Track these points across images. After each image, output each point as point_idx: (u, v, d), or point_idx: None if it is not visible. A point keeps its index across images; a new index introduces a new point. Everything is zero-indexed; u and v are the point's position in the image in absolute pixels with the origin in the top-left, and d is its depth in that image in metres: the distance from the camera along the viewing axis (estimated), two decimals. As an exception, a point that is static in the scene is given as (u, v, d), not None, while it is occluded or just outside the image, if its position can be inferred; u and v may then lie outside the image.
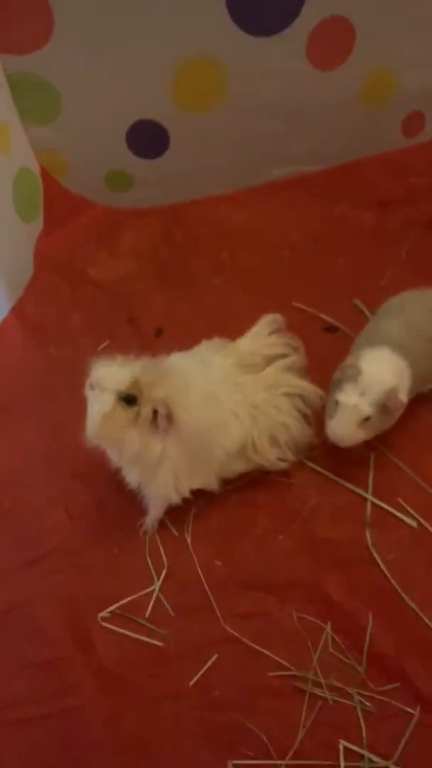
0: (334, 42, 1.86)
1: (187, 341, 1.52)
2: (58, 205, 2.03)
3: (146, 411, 1.24)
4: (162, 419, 1.25)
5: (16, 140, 1.85)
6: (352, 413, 1.36)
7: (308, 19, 1.79)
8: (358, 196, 2.07)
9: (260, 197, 2.12)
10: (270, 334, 1.48)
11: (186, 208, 2.11)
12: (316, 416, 1.47)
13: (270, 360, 1.44)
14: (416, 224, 1.97)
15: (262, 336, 1.47)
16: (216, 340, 1.48)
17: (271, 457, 1.41)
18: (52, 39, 1.72)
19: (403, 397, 1.39)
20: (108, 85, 1.84)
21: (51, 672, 1.28)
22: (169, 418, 1.25)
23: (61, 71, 1.79)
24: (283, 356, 1.46)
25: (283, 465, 1.43)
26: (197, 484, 1.40)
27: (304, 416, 1.44)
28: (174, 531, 1.44)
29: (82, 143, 1.95)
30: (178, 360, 1.36)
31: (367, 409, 1.35)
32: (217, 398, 1.34)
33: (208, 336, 1.54)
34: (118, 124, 1.94)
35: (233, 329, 1.56)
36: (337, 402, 1.38)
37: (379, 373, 1.37)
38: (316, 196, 2.09)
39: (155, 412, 1.24)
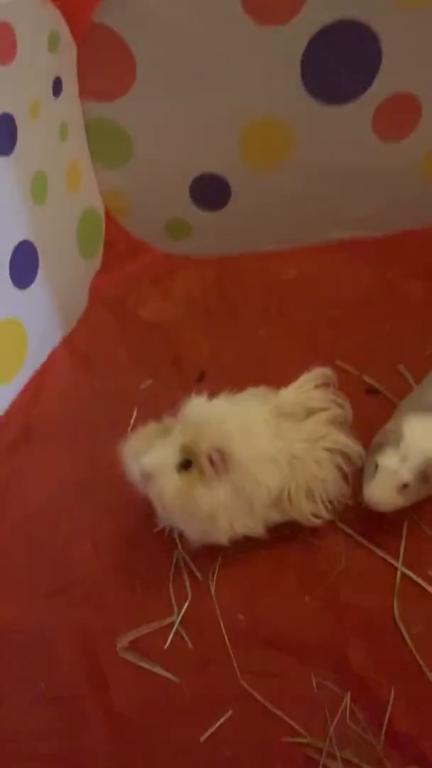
0: (400, 116, 1.93)
1: (228, 387, 1.53)
2: (118, 245, 2.10)
3: (205, 463, 1.26)
4: (219, 463, 1.26)
5: (86, 180, 1.94)
6: (391, 478, 1.34)
7: (378, 92, 1.86)
8: (410, 265, 2.09)
9: (314, 256, 2.16)
10: (316, 387, 1.48)
11: (240, 259, 2.16)
12: (355, 476, 1.45)
13: (312, 412, 1.43)
14: (466, 298, 1.99)
15: (307, 388, 1.47)
16: (261, 389, 1.48)
17: (305, 511, 1.39)
18: (132, 89, 1.81)
19: None
20: (179, 137, 1.92)
21: (62, 709, 1.26)
22: (224, 458, 1.26)
23: (137, 120, 1.89)
24: (325, 410, 1.45)
25: (317, 521, 1.41)
26: (246, 529, 1.38)
27: (344, 475, 1.43)
28: (199, 576, 1.43)
29: (148, 190, 2.03)
30: (209, 403, 1.36)
31: (407, 475, 1.34)
32: (256, 434, 1.34)
33: (250, 383, 1.55)
34: (184, 175, 2.02)
35: (275, 379, 1.56)
36: (377, 465, 1.37)
37: (422, 440, 1.36)
38: (369, 261, 2.12)
39: (211, 461, 1.26)
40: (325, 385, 1.48)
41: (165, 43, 1.74)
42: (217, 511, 1.30)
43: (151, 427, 1.35)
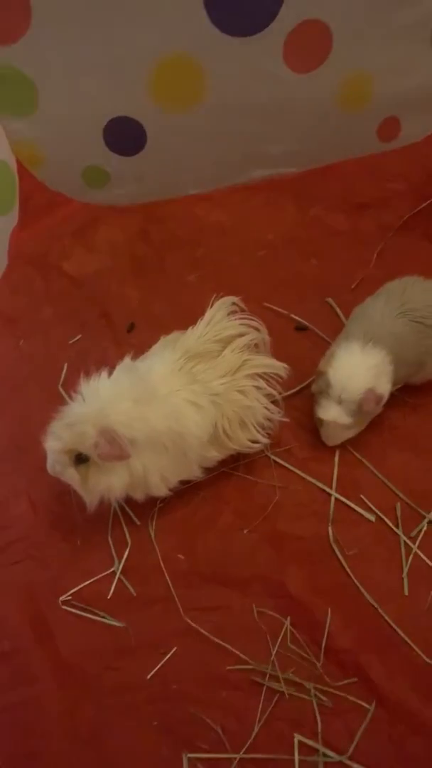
0: (311, 45, 1.88)
1: (159, 336, 1.52)
2: (35, 199, 2.03)
3: (93, 453, 1.26)
4: (114, 446, 1.24)
5: (-8, 132, 1.86)
6: (335, 427, 1.43)
7: (285, 21, 1.80)
8: (333, 199, 2.08)
9: (238, 197, 2.13)
10: (226, 316, 1.46)
11: (164, 205, 2.12)
12: (285, 387, 1.45)
13: (227, 342, 1.42)
14: (389, 228, 1.99)
15: (217, 320, 1.45)
16: (172, 335, 1.47)
17: (243, 441, 1.40)
18: (29, 31, 1.72)
19: (383, 389, 1.40)
20: (86, 81, 1.84)
21: (9, 663, 1.27)
22: (113, 442, 1.24)
23: (39, 64, 1.79)
24: (241, 335, 1.44)
25: (256, 447, 1.43)
26: (183, 477, 1.40)
27: (270, 396, 1.43)
28: (138, 522, 1.44)
29: (59, 138, 1.95)
30: (95, 390, 1.32)
31: (346, 419, 1.41)
32: (153, 395, 1.32)
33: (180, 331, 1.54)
34: (96, 120, 1.94)
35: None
36: (320, 420, 1.45)
37: (349, 378, 1.40)
38: (293, 198, 2.11)
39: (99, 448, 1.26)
40: (233, 312, 1.47)
41: (59, -21, 1.66)
42: (143, 476, 1.31)
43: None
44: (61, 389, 1.66)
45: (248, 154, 2.09)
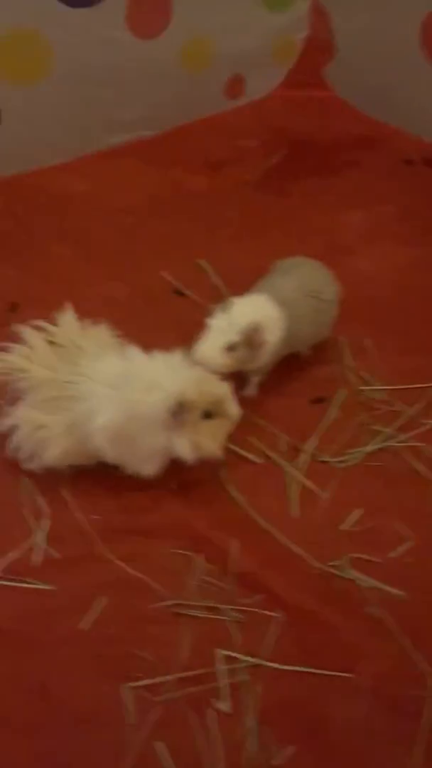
0: (151, 12, 1.94)
1: (42, 313, 1.59)
2: None
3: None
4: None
5: None
6: (218, 336, 1.48)
7: (125, -10, 1.85)
8: (190, 161, 2.19)
9: (98, 165, 2.18)
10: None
11: (25, 179, 2.13)
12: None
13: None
14: (246, 184, 2.12)
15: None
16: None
17: None
18: None
19: (270, 337, 1.52)
20: None
21: None
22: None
23: None
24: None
25: None
26: None
27: None
28: (51, 491, 1.54)
29: None
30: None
31: (233, 335, 1.48)
32: None
33: (61, 306, 1.60)
34: None
35: (85, 297, 1.67)
36: (207, 327, 1.50)
37: (247, 310, 1.50)
38: (152, 162, 2.19)
39: None
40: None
41: None
42: None
43: None
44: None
45: (103, 121, 2.14)
